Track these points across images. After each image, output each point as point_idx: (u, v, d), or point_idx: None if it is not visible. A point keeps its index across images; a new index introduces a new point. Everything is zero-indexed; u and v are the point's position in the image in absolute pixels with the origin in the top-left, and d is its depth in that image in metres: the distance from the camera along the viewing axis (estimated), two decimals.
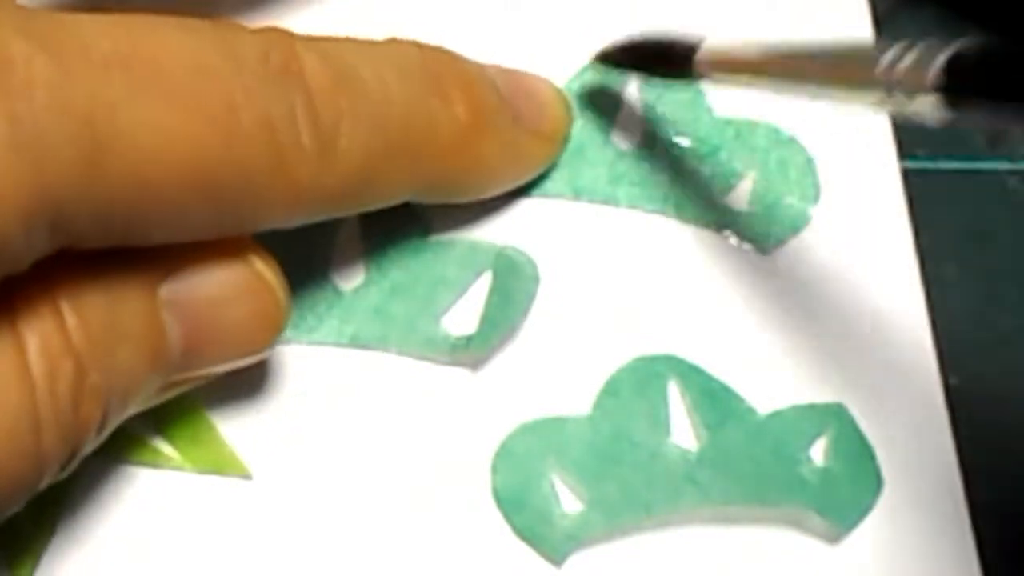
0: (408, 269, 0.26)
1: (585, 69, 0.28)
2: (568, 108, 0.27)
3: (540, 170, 0.27)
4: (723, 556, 0.25)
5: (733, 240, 0.27)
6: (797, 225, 0.27)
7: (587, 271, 0.27)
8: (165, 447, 0.25)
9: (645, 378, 0.26)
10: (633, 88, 0.28)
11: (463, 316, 0.26)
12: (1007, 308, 0.27)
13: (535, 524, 0.25)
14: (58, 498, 0.24)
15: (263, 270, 0.22)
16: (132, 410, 0.21)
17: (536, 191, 0.27)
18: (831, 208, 0.27)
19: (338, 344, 0.26)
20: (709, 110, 0.28)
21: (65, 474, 0.20)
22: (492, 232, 0.27)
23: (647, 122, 0.28)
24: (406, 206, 0.27)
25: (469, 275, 0.26)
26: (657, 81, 0.27)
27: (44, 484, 0.20)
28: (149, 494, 0.25)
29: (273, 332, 0.22)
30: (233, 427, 0.25)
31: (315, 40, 0.22)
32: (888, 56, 0.19)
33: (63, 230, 0.18)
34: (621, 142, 0.28)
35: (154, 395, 0.22)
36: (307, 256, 0.26)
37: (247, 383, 0.25)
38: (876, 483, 0.25)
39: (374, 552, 0.24)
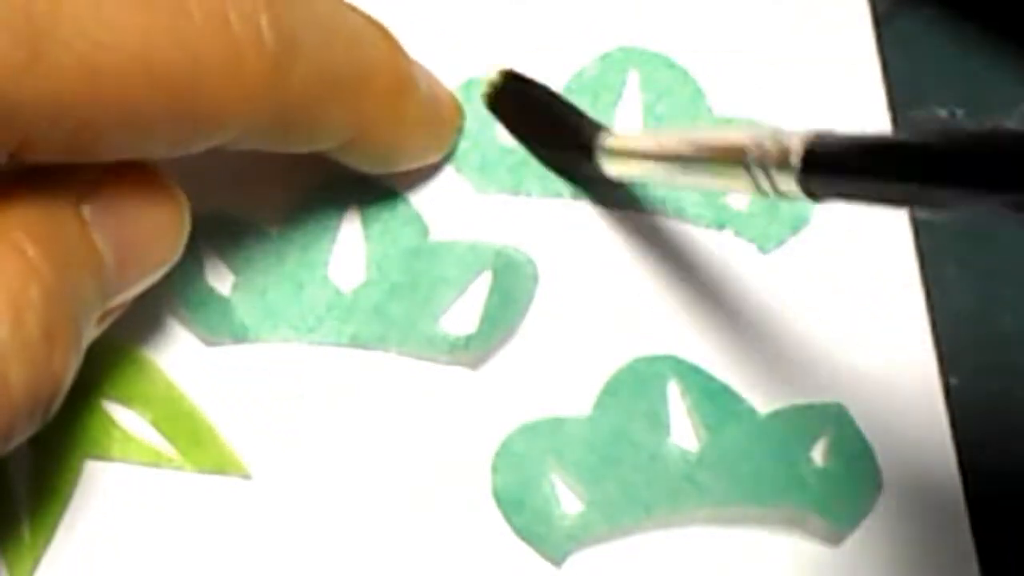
0: (408, 269, 0.26)
1: (585, 69, 0.28)
2: (460, 110, 0.27)
3: (432, 157, 0.27)
4: (723, 556, 0.25)
5: (733, 240, 0.27)
6: (797, 225, 0.27)
7: (587, 271, 0.27)
8: (165, 447, 0.25)
9: (645, 378, 0.26)
10: (633, 87, 0.28)
11: (463, 316, 0.26)
12: (1007, 308, 0.27)
13: (535, 524, 0.25)
14: (58, 498, 0.24)
15: (167, 181, 0.22)
16: (85, 345, 0.21)
17: (536, 191, 0.27)
18: (831, 208, 0.27)
19: (338, 344, 0.26)
20: (709, 110, 0.28)
21: (47, 419, 0.20)
22: (492, 232, 0.27)
23: (647, 122, 0.28)
24: (406, 205, 0.27)
25: (469, 275, 0.26)
26: (546, 152, 0.27)
27: (25, 430, 0.19)
28: (149, 494, 0.25)
29: (181, 241, 0.22)
30: (233, 427, 0.25)
31: None
32: (755, 143, 0.20)
33: (10, 130, 0.18)
34: None
35: (95, 328, 0.21)
36: (307, 256, 0.26)
37: (247, 383, 0.25)
38: (876, 483, 0.25)
39: (374, 552, 0.24)
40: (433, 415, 0.25)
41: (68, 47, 0.18)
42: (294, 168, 0.27)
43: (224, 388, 0.25)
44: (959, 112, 0.29)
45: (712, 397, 0.25)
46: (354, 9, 0.23)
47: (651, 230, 0.27)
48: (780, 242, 0.27)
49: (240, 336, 0.25)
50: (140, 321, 0.26)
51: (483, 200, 0.27)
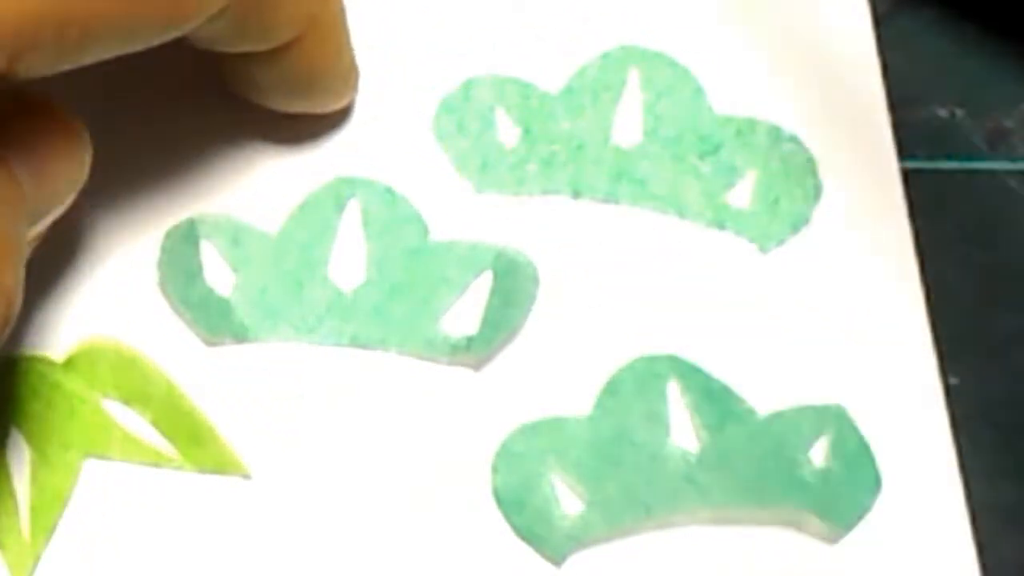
0: (408, 269, 0.26)
1: (585, 67, 0.28)
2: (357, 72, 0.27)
3: (333, 102, 0.27)
4: (723, 557, 0.25)
5: (733, 240, 0.27)
6: (797, 225, 0.27)
7: (587, 271, 0.27)
8: (165, 447, 0.25)
9: (645, 378, 0.26)
10: (633, 86, 0.28)
11: (463, 317, 0.26)
12: (1007, 308, 0.27)
13: (535, 524, 0.25)
14: (58, 498, 0.24)
15: (65, 113, 0.22)
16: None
17: (536, 190, 0.27)
18: (831, 208, 0.27)
19: (338, 344, 0.26)
20: (710, 108, 0.28)
21: (3, 339, 0.20)
22: (492, 232, 0.27)
23: (647, 120, 0.28)
24: (407, 205, 0.27)
25: (469, 275, 0.26)
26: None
27: None
28: (149, 494, 0.25)
29: (86, 164, 0.23)
30: (233, 427, 0.25)
31: None
32: None
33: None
34: (621, 140, 0.28)
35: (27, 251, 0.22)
36: (307, 256, 0.26)
37: (247, 383, 0.25)
38: (875, 484, 0.25)
39: (374, 552, 0.24)
40: (433, 415, 0.25)
41: None
42: (294, 168, 0.27)
43: (224, 388, 0.25)
44: (959, 112, 0.29)
45: (712, 397, 0.25)
46: None
47: (651, 230, 0.27)
48: (780, 242, 0.27)
49: (240, 336, 0.25)
50: (140, 321, 0.26)
51: (484, 200, 0.27)
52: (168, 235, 0.26)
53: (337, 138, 0.27)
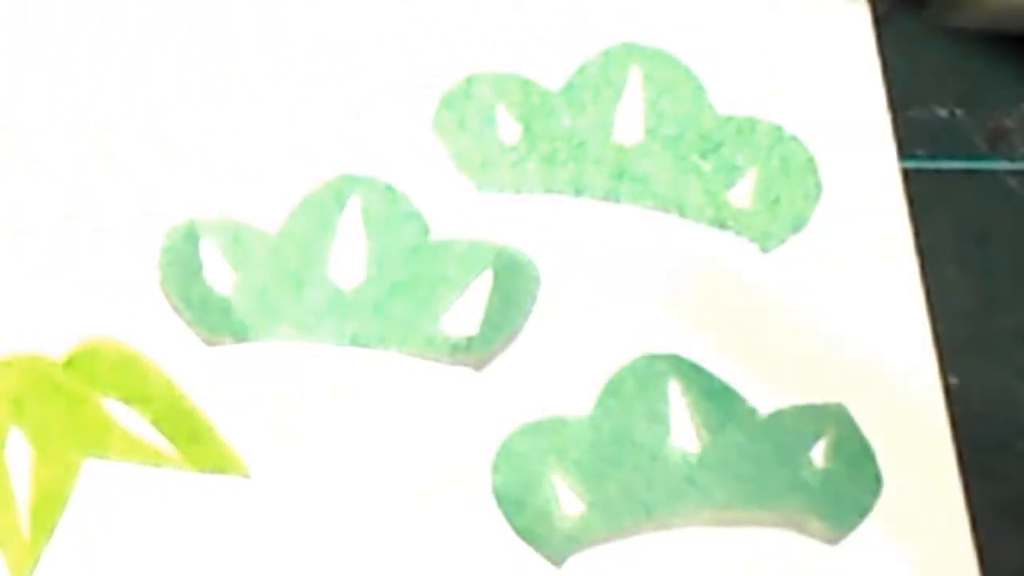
0: (408, 268, 0.26)
1: (587, 65, 0.28)
2: None
3: None
4: (723, 557, 0.25)
5: (733, 239, 0.27)
6: (797, 224, 0.27)
7: (588, 270, 0.27)
8: (165, 447, 0.25)
9: (646, 378, 0.26)
10: (634, 83, 0.28)
11: (464, 316, 0.26)
12: (1007, 308, 0.27)
13: (535, 525, 0.24)
14: (58, 498, 0.24)
15: None
16: None
17: (537, 187, 0.27)
18: (831, 208, 0.27)
19: (338, 343, 0.26)
20: (711, 107, 0.28)
21: None
22: (493, 231, 0.27)
23: (649, 118, 0.28)
24: (407, 203, 0.27)
25: (469, 274, 0.26)
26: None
27: None
28: (149, 493, 0.24)
29: None
30: (233, 427, 0.25)
31: None
32: None
33: None
34: (622, 138, 0.28)
35: None
36: (307, 254, 0.26)
37: (247, 383, 0.25)
38: (876, 484, 0.25)
39: (374, 551, 0.24)
40: (434, 415, 0.25)
41: None
42: (295, 166, 0.27)
43: (224, 388, 0.25)
44: (959, 112, 0.29)
45: (713, 397, 0.25)
46: None
47: (651, 230, 0.27)
48: (780, 241, 0.27)
49: (240, 335, 0.25)
50: (140, 321, 0.25)
51: (485, 199, 0.27)
52: (168, 235, 0.26)
53: (338, 135, 0.27)
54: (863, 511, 0.25)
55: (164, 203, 0.26)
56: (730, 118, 0.28)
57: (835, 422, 0.25)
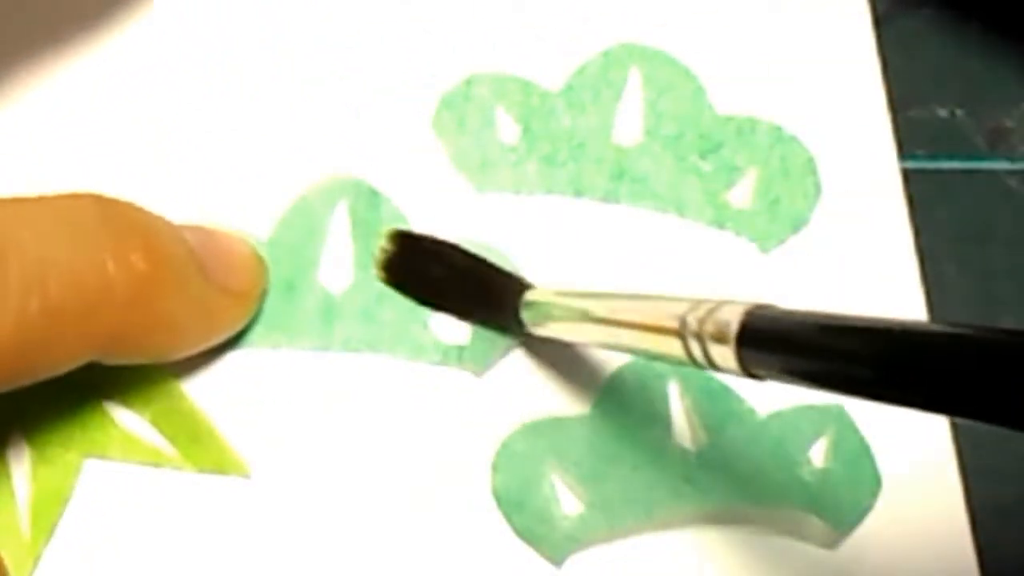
0: None
1: (586, 65, 0.28)
2: (263, 265, 0.26)
3: (234, 329, 0.25)
4: (723, 557, 0.25)
5: (733, 239, 0.27)
6: (797, 224, 0.27)
7: (588, 270, 0.27)
8: (165, 447, 0.25)
9: (645, 378, 0.26)
10: (634, 84, 0.28)
11: (454, 322, 0.26)
12: (1007, 308, 0.27)
13: (535, 525, 0.25)
14: (58, 498, 0.24)
15: None
16: None
17: (537, 188, 0.27)
18: (831, 208, 0.27)
19: (327, 349, 0.25)
20: (711, 107, 0.28)
21: None
22: (492, 231, 0.27)
23: (648, 118, 0.28)
24: (389, 205, 0.26)
25: None
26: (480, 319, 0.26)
27: None
28: (149, 494, 0.24)
29: None
30: (233, 427, 0.25)
31: None
32: (690, 310, 0.19)
33: None
34: (622, 139, 0.28)
35: None
36: (296, 259, 0.26)
37: (247, 383, 0.25)
38: (875, 485, 0.25)
39: (374, 552, 0.24)
40: (433, 415, 0.25)
41: None
42: (282, 171, 0.27)
43: (224, 388, 0.25)
44: (959, 112, 0.29)
45: (712, 397, 0.25)
46: (84, 219, 0.22)
47: (651, 230, 0.27)
48: (780, 241, 0.27)
49: (233, 344, 0.25)
50: None
51: (483, 199, 0.27)
52: None
53: (337, 135, 0.27)
54: (863, 511, 0.25)
55: (156, 213, 0.26)
56: (730, 118, 0.28)
57: (834, 422, 0.25)
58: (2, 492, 0.24)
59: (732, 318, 0.18)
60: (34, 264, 0.21)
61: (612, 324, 0.21)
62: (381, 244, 0.26)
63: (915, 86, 0.29)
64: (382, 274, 0.26)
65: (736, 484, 0.25)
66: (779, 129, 0.28)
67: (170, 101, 0.27)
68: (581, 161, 0.27)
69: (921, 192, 0.28)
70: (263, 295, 0.26)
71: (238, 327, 0.25)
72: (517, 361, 0.26)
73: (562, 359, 0.26)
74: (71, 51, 0.27)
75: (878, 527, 0.25)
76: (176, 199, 0.26)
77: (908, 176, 0.28)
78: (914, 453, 0.25)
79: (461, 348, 0.25)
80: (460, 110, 0.28)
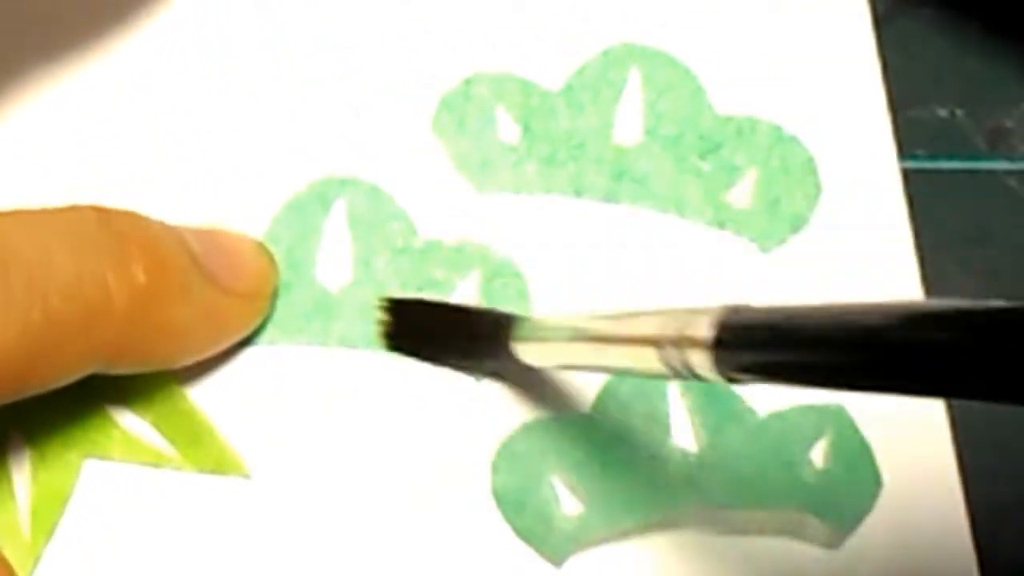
0: (395, 269, 0.26)
1: (586, 65, 0.28)
2: (272, 264, 0.25)
3: (245, 331, 0.25)
4: (723, 558, 0.25)
5: (733, 239, 0.27)
6: (797, 224, 0.27)
7: (588, 270, 0.27)
8: (165, 447, 0.25)
9: (645, 378, 0.26)
10: (634, 84, 0.28)
11: None
12: None
13: (535, 525, 0.25)
14: (58, 498, 0.24)
15: None
16: None
17: (537, 189, 0.27)
18: (831, 208, 0.27)
19: (324, 345, 0.25)
20: (711, 107, 0.28)
21: None
22: (492, 232, 0.27)
23: (648, 119, 0.28)
24: (392, 203, 0.27)
25: (456, 276, 0.26)
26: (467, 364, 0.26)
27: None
28: (149, 494, 0.24)
29: None
30: (233, 427, 0.25)
31: None
32: (667, 329, 0.19)
33: None
34: (622, 139, 0.28)
35: None
36: (293, 256, 0.26)
37: (247, 383, 0.25)
38: (875, 485, 0.25)
39: (374, 552, 0.24)
40: (433, 415, 0.25)
41: None
42: (279, 168, 0.27)
43: (224, 388, 0.25)
44: (959, 112, 0.29)
45: (712, 398, 0.25)
46: (85, 230, 0.22)
47: (651, 229, 0.27)
48: (780, 241, 0.27)
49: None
50: None
51: (483, 199, 0.27)
52: None
53: (337, 135, 0.27)
54: (863, 512, 0.25)
55: (151, 210, 0.26)
56: (730, 118, 0.28)
57: (834, 422, 0.25)
58: (2, 492, 0.24)
59: (705, 325, 0.18)
60: (37, 275, 0.21)
61: (601, 342, 0.21)
62: (377, 316, 0.26)
63: (915, 86, 0.29)
64: (388, 343, 0.25)
65: (736, 484, 0.25)
66: (779, 129, 0.28)
67: (170, 101, 0.27)
68: (581, 161, 0.27)
69: (921, 192, 0.28)
70: (274, 294, 0.25)
71: (250, 328, 0.25)
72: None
73: None
74: (71, 51, 0.27)
75: (878, 527, 0.25)
76: (176, 199, 0.26)
77: (908, 176, 0.28)
78: (914, 453, 0.25)
79: None
80: (460, 110, 0.28)
